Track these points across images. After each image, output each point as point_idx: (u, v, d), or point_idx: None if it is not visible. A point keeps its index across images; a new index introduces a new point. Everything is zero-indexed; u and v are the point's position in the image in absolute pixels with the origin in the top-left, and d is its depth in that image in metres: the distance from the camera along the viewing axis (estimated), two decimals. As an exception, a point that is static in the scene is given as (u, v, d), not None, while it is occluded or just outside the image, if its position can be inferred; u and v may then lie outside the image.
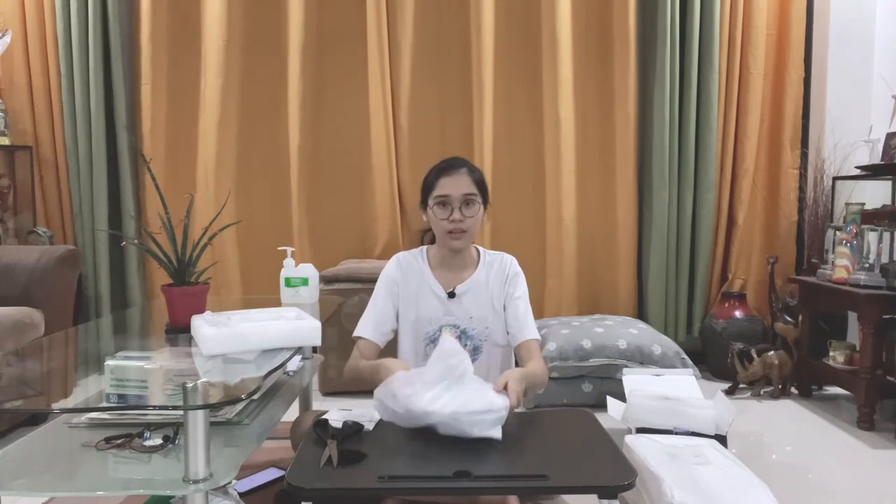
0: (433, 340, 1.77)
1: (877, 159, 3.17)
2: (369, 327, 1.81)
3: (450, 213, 1.72)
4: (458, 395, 1.37)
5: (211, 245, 1.81)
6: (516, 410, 1.78)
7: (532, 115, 3.53)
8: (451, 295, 1.79)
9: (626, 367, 2.83)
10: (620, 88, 3.44)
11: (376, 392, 1.46)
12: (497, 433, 1.37)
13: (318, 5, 3.47)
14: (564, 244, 3.49)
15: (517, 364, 1.90)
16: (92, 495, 1.28)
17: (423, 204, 1.80)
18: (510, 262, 1.85)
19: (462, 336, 1.77)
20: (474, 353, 1.78)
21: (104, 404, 1.37)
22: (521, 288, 1.82)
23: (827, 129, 3.43)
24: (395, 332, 1.85)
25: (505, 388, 1.46)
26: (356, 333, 1.82)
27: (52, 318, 2.75)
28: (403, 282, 1.83)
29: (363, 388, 3.01)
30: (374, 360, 1.76)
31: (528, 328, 1.78)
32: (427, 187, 1.78)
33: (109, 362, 1.32)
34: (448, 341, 1.46)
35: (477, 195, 1.75)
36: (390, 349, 1.85)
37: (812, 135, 3.47)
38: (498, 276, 1.82)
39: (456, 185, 1.73)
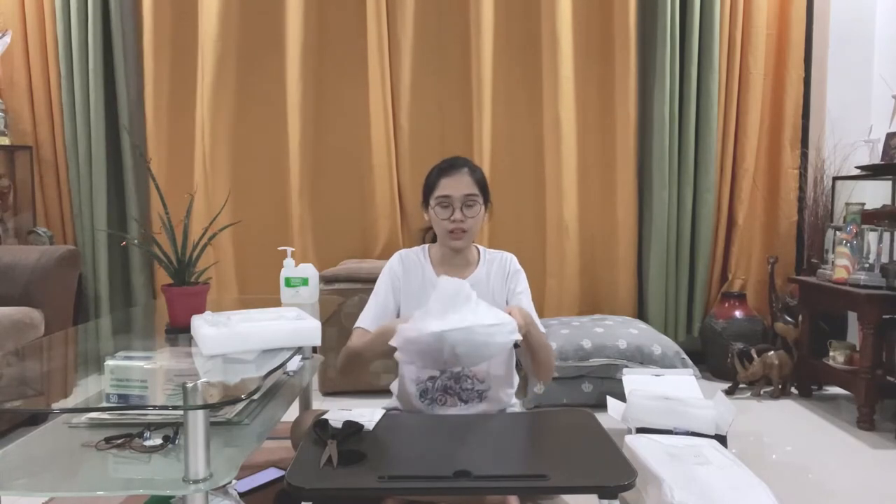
0: None
1: (877, 159, 3.17)
2: (369, 319, 1.81)
3: (451, 214, 1.74)
4: (468, 314, 1.42)
5: (211, 245, 1.81)
6: (516, 410, 1.79)
7: (532, 115, 3.53)
8: None
9: (626, 367, 2.83)
10: (620, 88, 3.44)
11: (396, 343, 1.47)
12: (517, 337, 1.44)
13: (318, 5, 3.47)
14: (564, 244, 3.49)
15: (519, 363, 1.90)
16: (92, 495, 1.28)
17: (425, 203, 1.82)
18: (510, 260, 1.87)
19: None
20: None
21: (104, 404, 1.37)
22: (523, 284, 1.84)
23: (827, 129, 3.43)
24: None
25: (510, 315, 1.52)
26: (356, 325, 1.82)
27: (52, 318, 2.75)
28: (406, 278, 1.83)
29: (361, 387, 3.05)
30: None
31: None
32: (428, 187, 1.80)
33: (109, 362, 1.32)
34: (445, 280, 1.50)
35: (478, 195, 1.76)
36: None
37: (812, 135, 3.47)
38: (499, 273, 1.83)
39: (457, 186, 1.74)
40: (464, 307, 1.44)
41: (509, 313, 1.52)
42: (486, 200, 1.80)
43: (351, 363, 1.77)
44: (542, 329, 1.79)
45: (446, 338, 1.39)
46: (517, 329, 1.46)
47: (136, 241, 3.56)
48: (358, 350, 1.74)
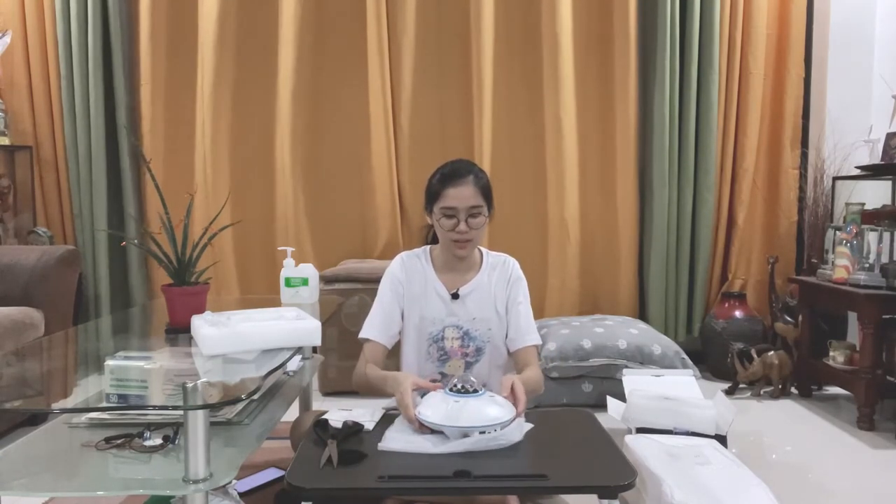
0: (436, 341, 1.78)
1: (877, 159, 3.17)
2: (376, 329, 1.79)
3: (456, 225, 1.71)
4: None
5: (211, 245, 1.81)
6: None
7: (532, 116, 3.53)
8: (455, 296, 1.78)
9: (627, 367, 2.83)
10: (620, 88, 3.44)
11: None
12: (524, 429, 1.44)
13: (318, 5, 3.47)
14: (565, 244, 3.49)
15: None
16: (92, 495, 1.28)
17: (428, 208, 1.78)
18: (513, 266, 1.85)
19: (465, 337, 1.77)
20: (477, 353, 1.78)
21: (104, 404, 1.37)
22: (523, 293, 1.82)
23: (827, 129, 3.43)
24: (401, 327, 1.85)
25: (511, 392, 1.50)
26: (363, 335, 1.79)
27: (52, 318, 2.75)
28: (408, 282, 1.82)
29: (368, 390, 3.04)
30: (381, 364, 1.76)
31: (529, 334, 1.78)
32: (432, 194, 1.75)
33: (109, 362, 1.32)
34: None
35: (483, 206, 1.73)
36: (394, 349, 1.85)
37: (812, 135, 3.47)
38: (501, 278, 1.82)
39: (462, 198, 1.70)
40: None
41: (511, 387, 1.50)
42: (490, 206, 1.77)
43: (364, 388, 1.75)
44: (538, 340, 1.80)
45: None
46: (522, 423, 1.46)
47: (135, 241, 3.57)
48: (370, 384, 1.72)
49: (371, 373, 1.72)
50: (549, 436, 1.49)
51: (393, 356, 1.86)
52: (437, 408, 1.42)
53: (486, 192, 1.75)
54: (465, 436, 1.37)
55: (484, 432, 1.37)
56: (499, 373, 1.78)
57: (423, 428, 1.42)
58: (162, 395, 1.31)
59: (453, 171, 1.74)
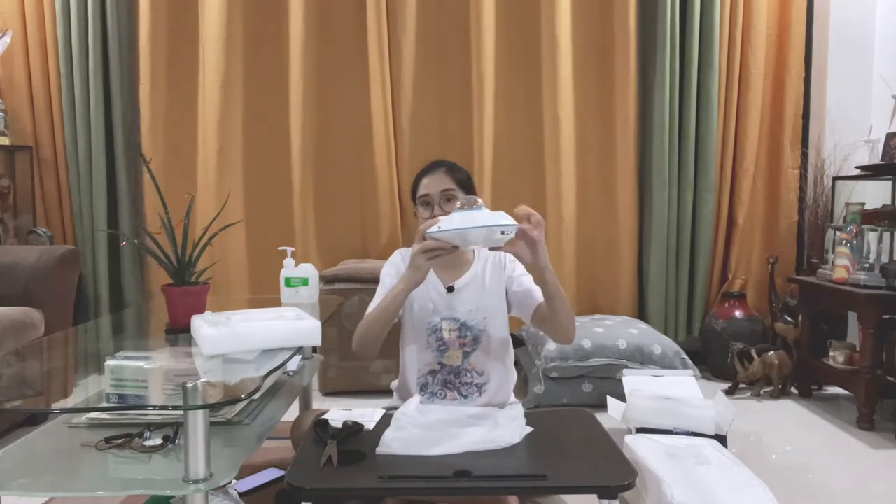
0: (434, 331, 1.80)
1: (877, 159, 3.17)
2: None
3: (432, 212, 1.77)
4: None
5: (211, 245, 1.81)
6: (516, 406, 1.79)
7: (532, 115, 3.53)
8: (450, 290, 1.82)
9: (627, 367, 2.83)
10: (621, 88, 3.44)
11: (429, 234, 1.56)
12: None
13: (319, 5, 3.47)
14: (564, 244, 3.49)
15: (518, 361, 1.91)
16: (92, 495, 1.28)
17: (415, 208, 1.86)
18: (505, 253, 1.87)
19: (462, 328, 1.80)
20: (474, 343, 1.80)
21: (104, 404, 1.37)
22: (521, 268, 1.85)
23: (827, 129, 3.43)
24: (400, 318, 1.87)
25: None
26: (368, 311, 1.81)
27: (52, 318, 2.75)
28: None
29: (361, 387, 3.05)
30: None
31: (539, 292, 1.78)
32: (413, 190, 1.85)
33: (109, 362, 1.32)
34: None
35: (456, 190, 1.78)
36: (394, 338, 1.85)
37: (812, 135, 3.47)
38: (494, 266, 1.85)
39: (434, 184, 1.79)
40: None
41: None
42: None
43: (364, 338, 1.73)
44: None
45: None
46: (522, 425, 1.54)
47: (136, 241, 3.56)
48: (376, 313, 1.72)
49: (372, 310, 1.74)
50: (549, 436, 1.49)
51: (393, 355, 1.87)
52: (441, 222, 1.54)
53: (461, 183, 1.81)
54: (465, 237, 1.50)
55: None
56: (498, 363, 1.81)
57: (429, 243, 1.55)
58: (162, 395, 1.31)
59: (429, 165, 1.85)
